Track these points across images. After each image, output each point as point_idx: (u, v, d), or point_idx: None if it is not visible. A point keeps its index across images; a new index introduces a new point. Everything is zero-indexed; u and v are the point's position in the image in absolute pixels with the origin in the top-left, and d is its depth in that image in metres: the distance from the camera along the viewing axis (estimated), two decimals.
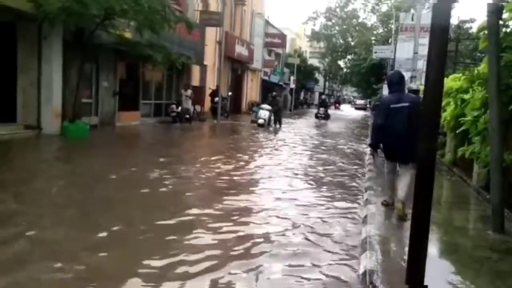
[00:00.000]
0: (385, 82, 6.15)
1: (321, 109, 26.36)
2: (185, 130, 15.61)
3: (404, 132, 4.95)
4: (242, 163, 9.02)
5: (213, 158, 9.37)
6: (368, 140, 11.34)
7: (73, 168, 7.52)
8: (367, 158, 10.39)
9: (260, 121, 18.28)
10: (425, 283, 2.85)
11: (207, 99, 20.60)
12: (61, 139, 10.59)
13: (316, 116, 26.06)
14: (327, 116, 25.87)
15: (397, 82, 5.38)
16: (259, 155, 10.60)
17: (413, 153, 4.29)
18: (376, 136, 5.52)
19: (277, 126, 18.93)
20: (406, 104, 5.08)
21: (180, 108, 17.01)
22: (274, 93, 20.81)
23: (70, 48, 11.16)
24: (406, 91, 6.14)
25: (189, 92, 17.30)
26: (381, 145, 5.49)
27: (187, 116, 17.38)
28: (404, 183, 5.11)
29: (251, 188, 6.87)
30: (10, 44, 10.52)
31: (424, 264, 2.85)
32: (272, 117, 19.05)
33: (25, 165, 7.49)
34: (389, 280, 3.28)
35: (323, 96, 32.37)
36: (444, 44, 2.86)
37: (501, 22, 4.80)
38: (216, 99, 19.65)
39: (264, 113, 18.61)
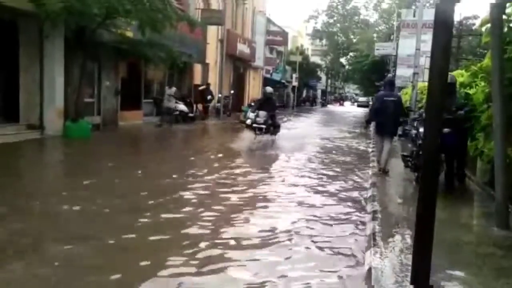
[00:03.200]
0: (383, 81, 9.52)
1: (261, 114, 11.95)
2: (173, 131, 14.79)
3: (390, 116, 7.83)
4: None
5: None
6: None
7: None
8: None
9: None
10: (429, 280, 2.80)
11: None
12: (66, 141, 10.44)
13: (253, 127, 11.86)
14: (273, 127, 12.47)
15: (390, 84, 8.59)
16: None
17: (394, 129, 8.32)
18: (372, 115, 8.55)
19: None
20: (394, 98, 8.05)
21: (163, 107, 16.17)
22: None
23: (72, 47, 11.13)
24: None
25: (173, 90, 16.48)
26: (373, 123, 8.78)
27: (191, 115, 17.30)
28: (385, 152, 7.93)
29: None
30: (12, 43, 10.51)
31: (429, 264, 2.76)
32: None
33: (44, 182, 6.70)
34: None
35: (269, 90, 13.48)
36: (448, 43, 2.82)
37: (504, 17, 4.77)
38: (209, 97, 19.32)
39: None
